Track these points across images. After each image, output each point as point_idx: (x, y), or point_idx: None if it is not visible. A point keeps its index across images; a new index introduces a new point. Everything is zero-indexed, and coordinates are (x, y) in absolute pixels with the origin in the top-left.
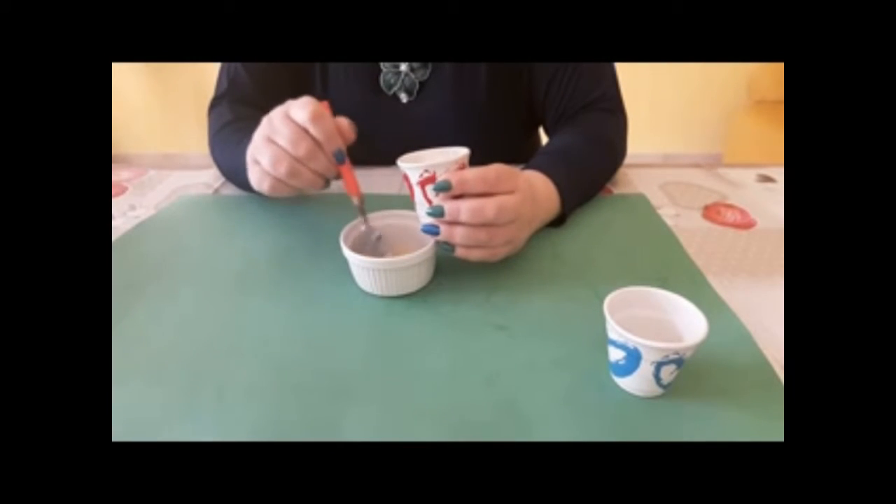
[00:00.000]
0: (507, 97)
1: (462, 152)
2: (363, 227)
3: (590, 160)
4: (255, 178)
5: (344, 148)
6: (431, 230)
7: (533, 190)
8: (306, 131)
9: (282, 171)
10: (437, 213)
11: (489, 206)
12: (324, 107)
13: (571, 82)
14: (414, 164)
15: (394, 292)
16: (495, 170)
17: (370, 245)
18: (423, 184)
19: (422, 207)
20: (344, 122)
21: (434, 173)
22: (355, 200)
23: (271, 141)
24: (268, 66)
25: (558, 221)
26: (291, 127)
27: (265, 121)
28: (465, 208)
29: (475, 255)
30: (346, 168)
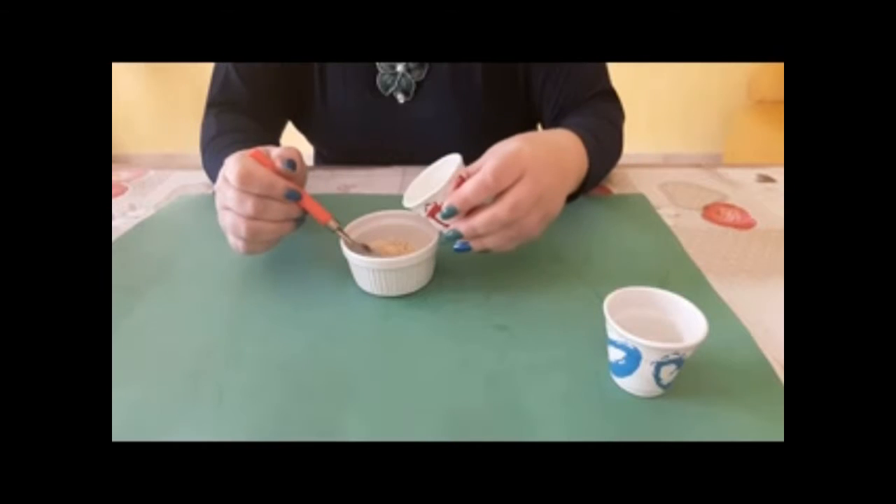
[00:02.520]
0: (505, 95)
1: (452, 168)
2: (350, 246)
3: (606, 134)
4: (231, 244)
5: (293, 185)
6: (464, 248)
7: (557, 153)
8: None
9: (242, 232)
10: (456, 235)
11: (501, 212)
12: (256, 155)
13: (569, 79)
14: (416, 203)
15: (394, 292)
16: (491, 171)
17: None
18: (431, 214)
19: (441, 233)
20: (280, 161)
21: (436, 203)
22: (332, 225)
23: (226, 207)
24: (263, 68)
25: (575, 194)
26: (231, 190)
27: (216, 188)
28: (479, 224)
29: (511, 246)
30: (307, 202)
